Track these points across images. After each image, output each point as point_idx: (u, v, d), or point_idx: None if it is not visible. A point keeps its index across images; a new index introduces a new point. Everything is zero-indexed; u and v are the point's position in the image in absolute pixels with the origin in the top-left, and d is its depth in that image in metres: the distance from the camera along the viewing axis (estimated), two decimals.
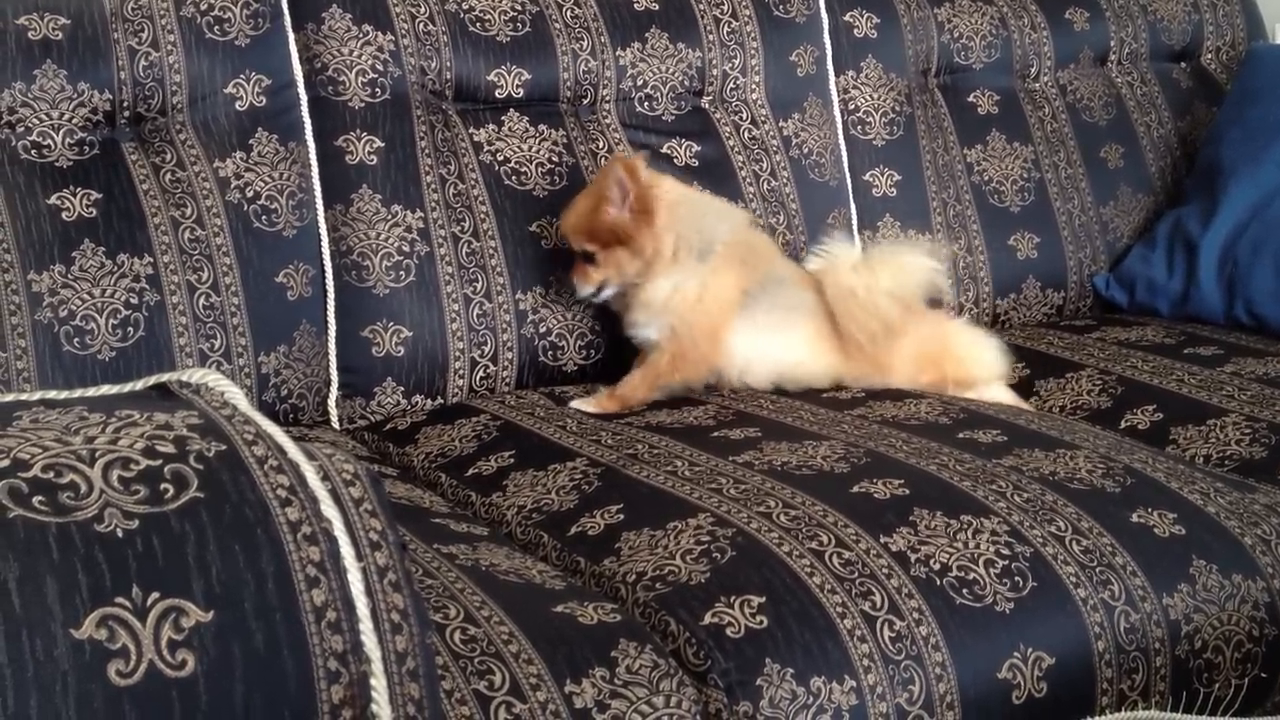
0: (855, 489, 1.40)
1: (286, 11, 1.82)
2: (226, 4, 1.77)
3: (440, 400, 1.82)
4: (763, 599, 1.24)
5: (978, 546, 1.33)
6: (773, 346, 1.76)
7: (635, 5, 2.00)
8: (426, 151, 1.84)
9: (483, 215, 1.85)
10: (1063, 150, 2.30)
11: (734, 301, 1.74)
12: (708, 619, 1.23)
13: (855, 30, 2.18)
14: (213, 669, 0.81)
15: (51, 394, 1.00)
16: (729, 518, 1.35)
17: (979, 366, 1.83)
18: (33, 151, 1.67)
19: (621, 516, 1.40)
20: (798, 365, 1.77)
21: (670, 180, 1.78)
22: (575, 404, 1.73)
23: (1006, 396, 1.84)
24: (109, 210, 1.67)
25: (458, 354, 1.81)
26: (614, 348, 1.89)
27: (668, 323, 1.73)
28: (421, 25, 1.87)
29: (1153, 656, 1.32)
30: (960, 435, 1.57)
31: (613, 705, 1.12)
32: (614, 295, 1.77)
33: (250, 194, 1.75)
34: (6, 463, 0.85)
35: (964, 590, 1.29)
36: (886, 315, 1.75)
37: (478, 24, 1.90)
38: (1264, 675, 1.38)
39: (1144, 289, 2.24)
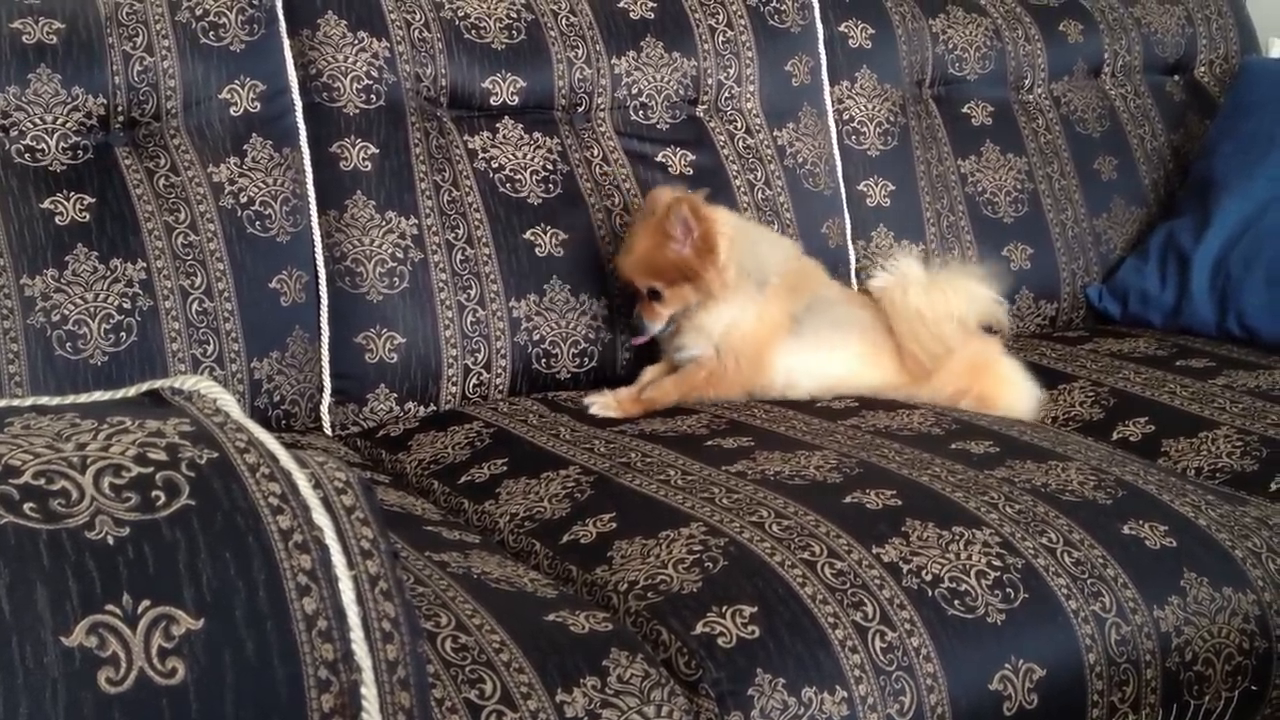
0: (848, 499, 1.41)
1: (281, 17, 1.82)
2: (221, 9, 1.77)
3: (433, 407, 1.81)
4: (755, 609, 1.24)
5: (969, 558, 1.33)
6: (817, 365, 1.79)
7: (630, 14, 2.00)
8: (421, 158, 1.84)
9: (477, 222, 1.85)
10: (1056, 162, 2.30)
11: (782, 327, 1.77)
12: (699, 628, 1.23)
13: (850, 41, 2.19)
14: (203, 677, 0.81)
15: (43, 400, 1.00)
16: (721, 527, 1.35)
17: (1011, 393, 1.83)
18: (26, 155, 1.67)
19: (614, 525, 1.40)
20: (842, 381, 1.79)
21: (724, 211, 1.81)
22: (595, 409, 1.73)
23: None
24: (102, 215, 1.67)
25: (451, 361, 1.81)
26: (607, 356, 1.89)
27: (714, 343, 1.75)
28: (417, 32, 1.87)
29: (1143, 669, 1.32)
30: (952, 446, 1.57)
31: (604, 714, 1.12)
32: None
33: (244, 199, 1.75)
34: None
35: (955, 601, 1.29)
36: (950, 338, 1.78)
37: (473, 31, 1.90)
38: (1254, 688, 1.38)
39: (1137, 301, 2.24)
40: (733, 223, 1.78)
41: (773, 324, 1.76)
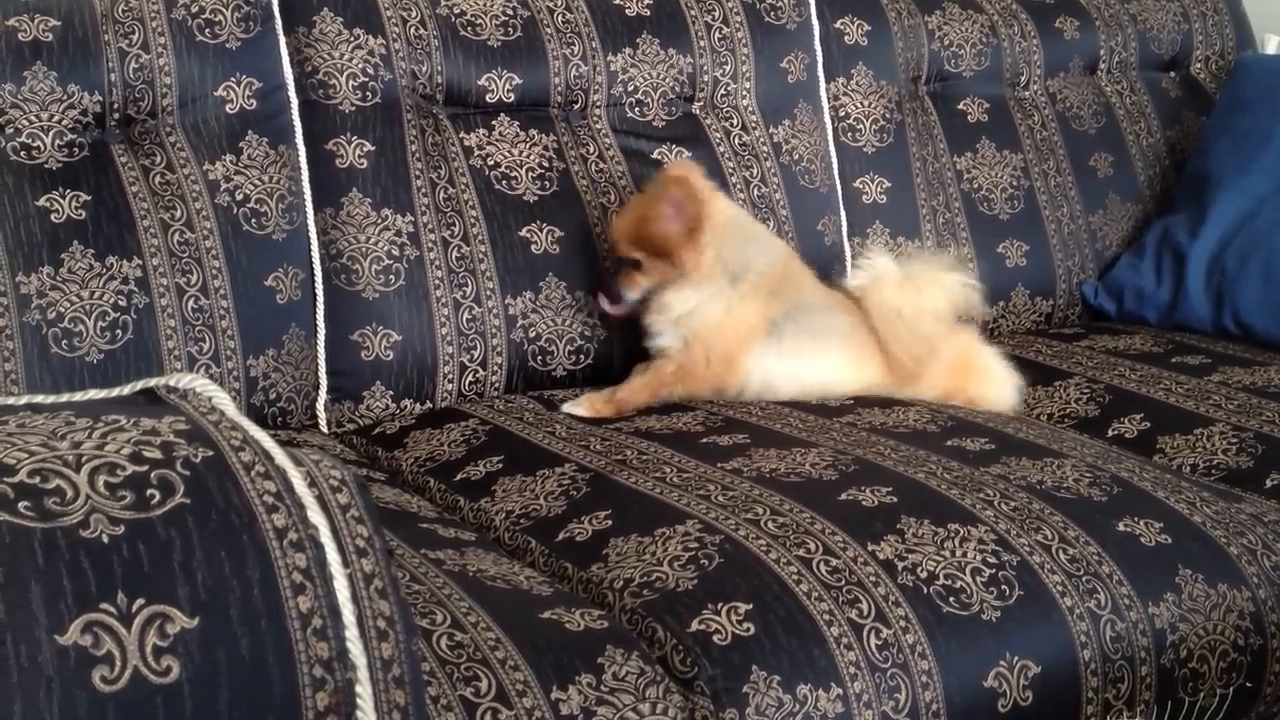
0: (843, 496, 1.41)
1: (277, 14, 1.81)
2: (217, 6, 1.76)
3: (429, 404, 1.81)
4: (750, 606, 1.24)
5: (965, 555, 1.33)
6: (797, 371, 1.77)
7: (626, 10, 2.00)
8: (417, 155, 1.84)
9: (473, 220, 1.84)
10: (1052, 159, 2.30)
11: (757, 330, 1.74)
12: (695, 626, 1.23)
13: (846, 37, 2.19)
14: (197, 675, 0.81)
15: (38, 398, 1.00)
16: (717, 524, 1.35)
17: (997, 392, 1.83)
18: (22, 153, 1.66)
19: (610, 523, 1.40)
20: (823, 388, 1.77)
21: (723, 199, 1.80)
22: (567, 408, 1.73)
23: None
24: (98, 212, 1.67)
25: (447, 358, 1.81)
26: (603, 354, 1.89)
27: (682, 334, 1.74)
28: (413, 29, 1.87)
29: (1138, 665, 1.32)
30: (948, 443, 1.57)
31: (599, 712, 1.12)
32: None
33: (240, 197, 1.75)
34: None
35: (950, 598, 1.29)
36: (932, 335, 1.77)
37: (469, 28, 1.90)
38: (1249, 685, 1.38)
39: (1132, 298, 2.24)
40: (727, 211, 1.77)
41: (745, 322, 1.74)
